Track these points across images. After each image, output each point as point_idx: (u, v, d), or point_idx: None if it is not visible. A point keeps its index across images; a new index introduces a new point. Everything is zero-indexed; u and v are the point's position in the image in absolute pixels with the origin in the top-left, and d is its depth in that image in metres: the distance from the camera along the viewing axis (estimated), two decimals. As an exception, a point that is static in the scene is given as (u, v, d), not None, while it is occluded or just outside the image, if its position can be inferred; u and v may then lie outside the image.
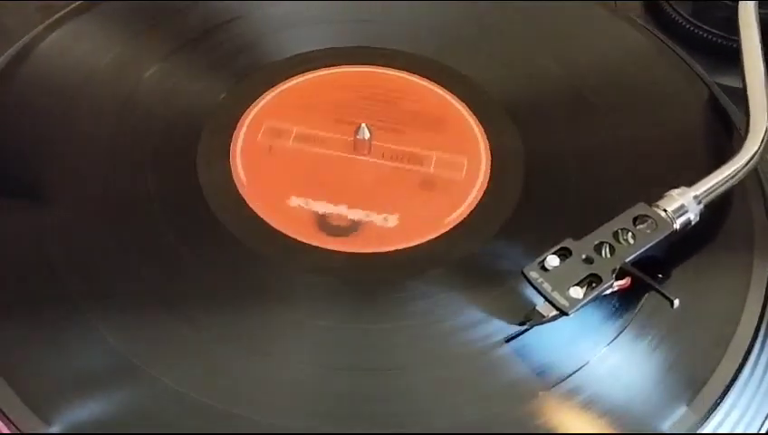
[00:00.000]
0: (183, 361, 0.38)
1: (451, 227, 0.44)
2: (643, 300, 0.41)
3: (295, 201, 0.44)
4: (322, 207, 0.44)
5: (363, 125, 0.46)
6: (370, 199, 0.45)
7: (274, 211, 0.44)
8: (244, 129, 0.48)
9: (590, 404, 0.37)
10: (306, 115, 0.48)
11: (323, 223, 0.44)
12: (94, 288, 0.40)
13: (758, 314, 0.41)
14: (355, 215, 0.44)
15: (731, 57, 0.54)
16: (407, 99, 0.50)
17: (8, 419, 0.36)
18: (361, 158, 0.47)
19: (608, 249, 0.39)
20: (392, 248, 0.43)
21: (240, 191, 0.45)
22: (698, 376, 0.38)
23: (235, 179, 0.45)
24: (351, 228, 0.44)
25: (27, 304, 0.40)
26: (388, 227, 0.44)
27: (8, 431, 0.36)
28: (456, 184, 0.46)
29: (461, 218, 0.44)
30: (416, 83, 0.51)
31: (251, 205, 0.44)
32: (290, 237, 0.43)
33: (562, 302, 0.37)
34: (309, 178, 0.46)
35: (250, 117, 0.48)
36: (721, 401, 0.38)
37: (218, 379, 0.38)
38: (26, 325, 0.39)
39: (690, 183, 0.42)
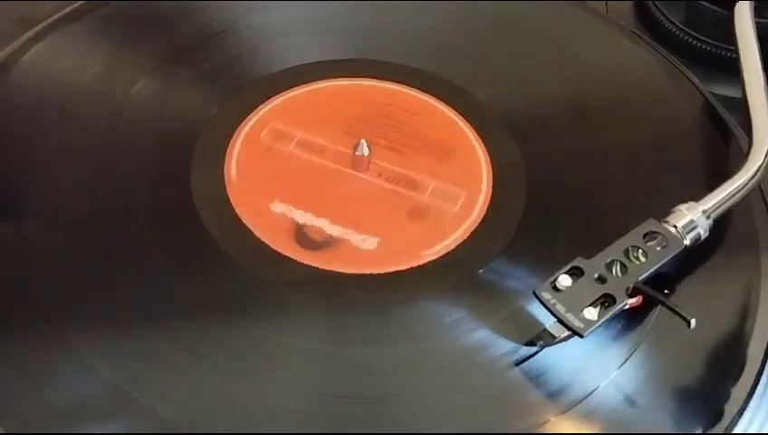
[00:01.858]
0: (164, 380, 0.37)
1: (427, 260, 0.42)
2: (652, 318, 0.40)
3: (278, 207, 0.43)
4: (303, 217, 0.43)
5: (363, 141, 0.45)
6: (354, 218, 0.43)
7: (256, 214, 0.43)
8: (245, 129, 0.47)
9: (605, 429, 0.37)
10: (314, 123, 0.47)
11: (300, 234, 0.42)
12: (75, 306, 0.39)
13: None
14: (333, 230, 0.43)
15: (724, 66, 0.54)
16: (417, 119, 0.48)
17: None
18: (357, 174, 0.45)
19: (619, 267, 0.38)
20: (366, 271, 0.41)
21: (228, 190, 0.44)
22: (713, 397, 0.38)
23: (226, 178, 0.44)
24: (325, 243, 0.42)
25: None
26: (364, 249, 0.42)
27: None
28: (446, 218, 0.44)
29: (438, 256, 0.42)
30: (427, 103, 0.49)
31: (235, 205, 0.43)
32: (266, 245, 0.42)
33: (578, 324, 0.36)
34: (298, 186, 0.44)
35: (256, 117, 0.47)
36: (737, 421, 0.37)
37: (193, 399, 0.36)
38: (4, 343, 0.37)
39: (691, 195, 0.42)
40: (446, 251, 0.43)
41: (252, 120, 0.47)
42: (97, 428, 0.36)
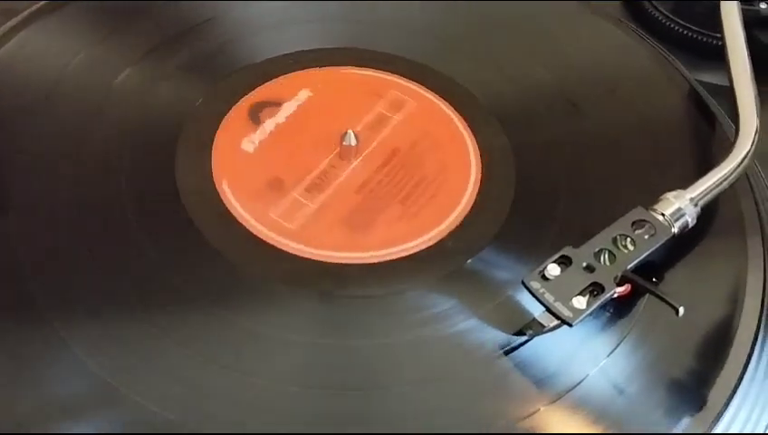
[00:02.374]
0: (156, 377, 0.36)
1: (416, 250, 0.42)
2: (640, 307, 0.40)
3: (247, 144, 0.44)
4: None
5: (350, 131, 0.45)
6: (342, 207, 0.43)
7: (242, 203, 0.43)
8: (230, 118, 0.47)
9: (593, 418, 0.37)
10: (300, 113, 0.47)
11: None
12: (63, 299, 0.38)
13: (757, 315, 0.40)
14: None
15: (710, 54, 0.54)
16: (404, 108, 0.48)
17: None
18: (345, 163, 0.45)
19: (607, 256, 0.38)
20: (355, 261, 0.41)
21: (214, 180, 0.44)
22: (702, 384, 0.38)
23: (212, 168, 0.44)
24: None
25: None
26: (352, 239, 0.42)
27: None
28: (435, 208, 0.44)
29: (426, 246, 0.42)
30: (414, 91, 0.49)
31: (222, 196, 0.43)
32: (253, 236, 0.42)
33: (566, 313, 0.36)
34: (285, 174, 0.44)
35: (241, 105, 0.47)
36: (726, 408, 0.37)
37: (185, 392, 0.36)
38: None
39: (677, 182, 0.42)
40: (434, 241, 0.42)
41: (237, 108, 0.47)
42: (83, 422, 0.35)
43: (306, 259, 0.41)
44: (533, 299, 0.37)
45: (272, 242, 0.42)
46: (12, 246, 0.40)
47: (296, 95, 0.48)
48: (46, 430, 0.35)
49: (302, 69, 0.49)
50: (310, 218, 0.43)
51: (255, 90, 0.48)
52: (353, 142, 0.45)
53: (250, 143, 0.46)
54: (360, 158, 0.45)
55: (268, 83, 0.48)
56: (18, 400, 0.35)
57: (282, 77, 0.49)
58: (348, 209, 0.43)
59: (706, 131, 0.49)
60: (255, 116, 0.47)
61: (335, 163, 0.45)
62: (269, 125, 0.46)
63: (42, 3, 0.50)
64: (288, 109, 0.47)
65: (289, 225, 0.42)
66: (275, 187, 0.44)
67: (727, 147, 0.44)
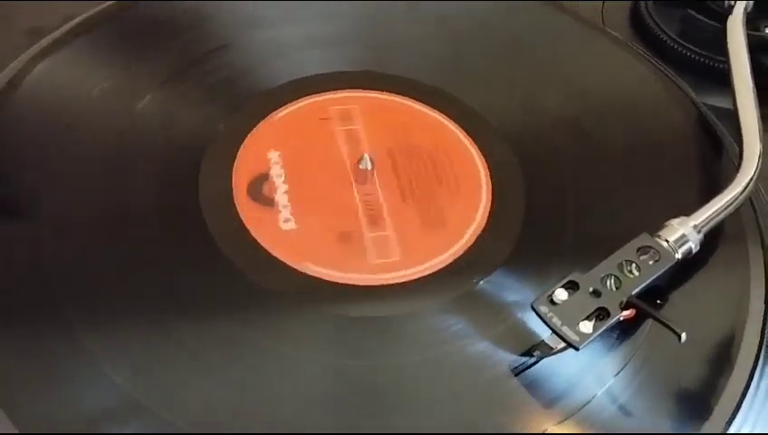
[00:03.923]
0: (167, 383, 0.38)
1: (427, 272, 0.43)
2: (646, 328, 0.41)
3: (285, 215, 0.44)
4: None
5: (366, 155, 0.46)
6: (357, 229, 0.45)
7: (262, 225, 0.44)
8: (252, 141, 0.48)
9: (600, 437, 0.38)
10: (317, 135, 0.49)
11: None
12: (92, 313, 0.40)
13: (759, 333, 0.42)
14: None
15: (718, 77, 0.55)
16: (416, 130, 0.50)
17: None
18: (359, 186, 0.46)
19: (613, 281, 0.40)
20: (368, 283, 0.42)
21: (235, 203, 0.45)
22: (706, 402, 0.39)
23: (234, 193, 0.45)
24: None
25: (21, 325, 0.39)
26: (364, 261, 0.43)
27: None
28: (446, 230, 0.45)
29: (437, 268, 0.43)
30: (425, 114, 0.50)
31: (242, 216, 0.44)
32: (272, 256, 0.43)
33: (573, 337, 0.37)
34: (304, 196, 0.45)
35: (261, 129, 0.48)
36: (728, 426, 0.39)
37: (193, 404, 0.37)
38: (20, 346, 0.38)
39: (684, 203, 0.43)
40: (445, 263, 0.44)
41: (258, 132, 0.48)
42: (102, 430, 0.37)
43: (318, 278, 0.42)
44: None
45: (287, 261, 0.43)
46: (40, 255, 0.41)
47: (269, 160, 0.47)
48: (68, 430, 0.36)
49: (319, 92, 0.50)
50: (398, 241, 0.44)
51: (235, 168, 0.47)
52: (369, 166, 0.46)
53: (285, 223, 0.45)
54: (374, 180, 0.47)
55: (286, 106, 0.50)
56: (38, 404, 0.37)
57: (301, 100, 0.50)
58: (417, 216, 0.45)
59: (713, 155, 0.50)
60: (261, 196, 0.46)
61: (350, 183, 0.46)
62: (281, 199, 0.46)
63: (65, 27, 0.51)
64: (277, 173, 0.47)
65: (391, 258, 0.44)
66: (346, 239, 0.44)
67: (732, 171, 0.45)
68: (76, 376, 0.38)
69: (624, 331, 0.41)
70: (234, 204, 0.45)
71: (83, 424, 0.36)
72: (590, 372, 0.40)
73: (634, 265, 0.40)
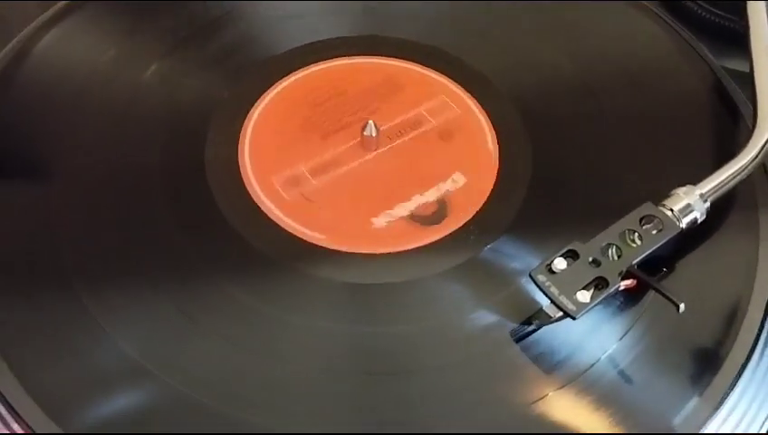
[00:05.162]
0: (189, 360, 0.39)
1: (431, 240, 0.43)
2: (649, 297, 0.41)
3: (380, 220, 0.44)
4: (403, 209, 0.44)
5: (370, 122, 0.46)
6: (361, 196, 0.45)
7: (270, 193, 0.45)
8: (258, 109, 0.48)
9: (601, 403, 0.38)
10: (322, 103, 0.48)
11: (416, 218, 0.44)
12: (100, 283, 0.41)
13: (764, 303, 0.41)
14: (432, 195, 0.45)
15: (738, 40, 0.54)
16: (422, 95, 0.49)
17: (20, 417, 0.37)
18: (366, 153, 0.47)
19: (614, 251, 0.39)
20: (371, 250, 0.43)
21: (242, 170, 0.45)
22: (708, 368, 0.39)
23: (240, 159, 0.45)
24: (441, 208, 0.44)
25: (28, 293, 0.40)
26: (461, 186, 0.45)
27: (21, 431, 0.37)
28: (451, 197, 0.45)
29: (441, 235, 0.44)
30: (433, 79, 0.50)
31: (248, 185, 0.45)
32: (277, 225, 0.43)
33: (570, 306, 0.37)
34: (310, 164, 0.46)
35: (269, 96, 0.48)
36: (730, 392, 0.39)
37: (220, 378, 0.38)
38: (27, 313, 0.40)
39: (696, 174, 0.42)
40: (449, 231, 0.44)
41: (265, 99, 0.48)
42: (111, 396, 0.38)
43: (323, 247, 0.43)
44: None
45: (292, 230, 0.43)
46: (49, 219, 0.43)
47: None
48: (74, 402, 0.37)
49: (327, 59, 0.50)
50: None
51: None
52: (374, 133, 0.46)
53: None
54: (381, 146, 0.47)
55: (294, 73, 0.50)
56: (48, 372, 0.38)
57: (308, 67, 0.50)
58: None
59: (728, 120, 0.49)
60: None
61: (357, 151, 0.47)
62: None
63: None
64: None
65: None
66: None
67: (746, 138, 0.44)
68: (79, 338, 0.39)
69: (627, 299, 0.41)
70: (239, 170, 0.45)
71: (86, 385, 0.38)
72: (592, 338, 0.40)
73: (636, 234, 0.40)
